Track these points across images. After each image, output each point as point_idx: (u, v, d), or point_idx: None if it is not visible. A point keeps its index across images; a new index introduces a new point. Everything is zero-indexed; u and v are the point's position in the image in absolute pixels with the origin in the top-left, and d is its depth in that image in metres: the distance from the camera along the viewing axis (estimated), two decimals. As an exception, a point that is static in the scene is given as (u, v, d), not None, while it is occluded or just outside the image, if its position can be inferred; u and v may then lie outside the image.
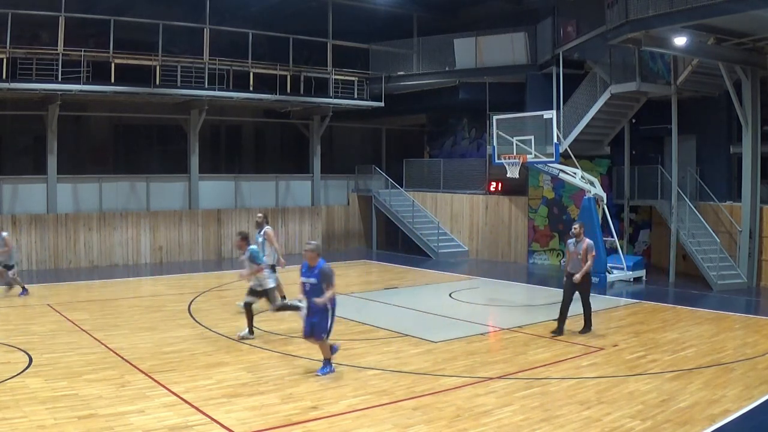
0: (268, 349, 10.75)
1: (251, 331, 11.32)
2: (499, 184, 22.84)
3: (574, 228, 12.02)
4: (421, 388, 8.87)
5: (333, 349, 9.52)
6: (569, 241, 12.12)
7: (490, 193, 23.16)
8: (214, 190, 23.48)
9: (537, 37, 22.12)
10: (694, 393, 8.62)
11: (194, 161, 22.70)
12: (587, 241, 11.82)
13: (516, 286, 18.00)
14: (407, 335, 11.84)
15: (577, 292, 11.83)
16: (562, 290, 12.23)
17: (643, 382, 9.09)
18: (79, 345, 10.78)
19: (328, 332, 9.26)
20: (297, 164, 26.84)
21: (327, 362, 9.41)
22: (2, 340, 10.88)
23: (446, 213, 24.55)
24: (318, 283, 9.09)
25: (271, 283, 11.36)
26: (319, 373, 9.27)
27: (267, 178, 24.87)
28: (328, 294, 9.03)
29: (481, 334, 12.37)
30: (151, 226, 21.60)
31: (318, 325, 9.17)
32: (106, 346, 10.69)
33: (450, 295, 16.32)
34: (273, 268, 13.49)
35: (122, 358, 10.10)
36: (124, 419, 7.51)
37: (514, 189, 22.24)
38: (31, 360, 9.83)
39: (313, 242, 9.57)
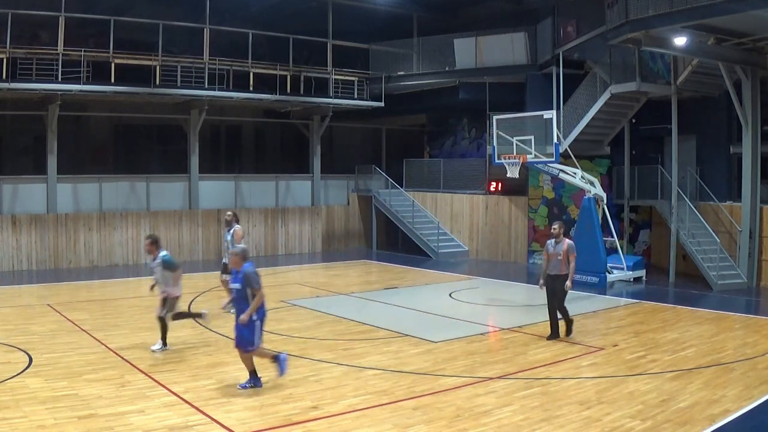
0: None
1: (165, 344, 10.56)
2: (499, 184, 22.84)
3: (554, 228, 11.67)
4: (421, 388, 8.87)
5: (280, 359, 8.89)
6: (548, 241, 11.78)
7: (490, 193, 23.16)
8: (214, 190, 23.48)
9: (537, 37, 22.12)
10: (694, 393, 8.63)
11: (194, 161, 22.70)
12: (567, 241, 11.52)
13: (516, 286, 17.98)
14: (407, 335, 11.84)
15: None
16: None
17: (643, 382, 9.10)
18: (79, 345, 10.78)
19: (256, 343, 8.66)
20: (297, 164, 26.84)
21: (252, 375, 8.77)
22: (2, 340, 10.90)
23: (446, 213, 24.55)
24: (242, 288, 8.59)
25: (176, 292, 10.56)
26: (240, 387, 8.68)
27: (267, 178, 24.87)
28: (252, 304, 8.50)
29: (481, 334, 12.36)
30: (151, 226, 21.58)
31: (243, 336, 8.62)
32: (106, 346, 10.69)
33: (450, 295, 16.32)
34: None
35: (122, 358, 10.11)
36: (124, 419, 7.52)
37: (514, 189, 22.24)
38: (31, 360, 9.84)
39: (239, 246, 9.09)
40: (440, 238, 23.71)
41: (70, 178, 20.83)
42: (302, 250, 24.79)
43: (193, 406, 8.01)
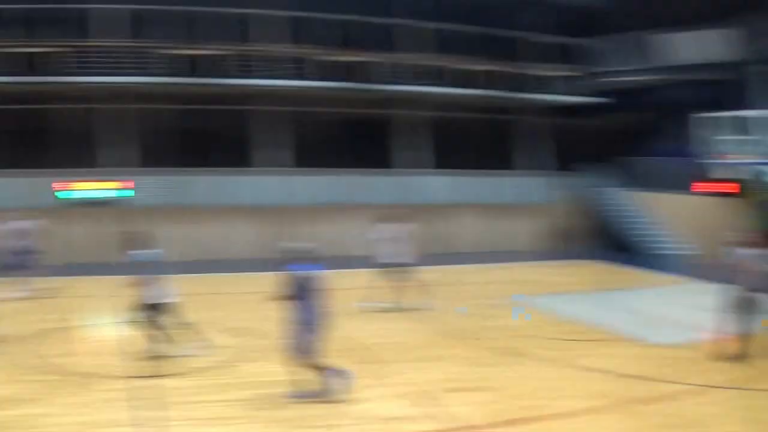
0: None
1: None
2: (716, 185, 21.12)
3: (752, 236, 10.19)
4: (636, 393, 8.56)
5: None
6: (743, 251, 9.94)
7: (708, 194, 21.54)
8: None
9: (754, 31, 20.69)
10: None
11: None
12: None
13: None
14: (626, 338, 11.56)
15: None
16: None
17: None
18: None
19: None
20: (502, 160, 26.59)
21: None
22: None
23: (665, 213, 23.21)
24: None
25: None
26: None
27: (485, 174, 25.24)
28: None
29: (707, 340, 11.50)
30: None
31: None
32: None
33: (676, 298, 15.82)
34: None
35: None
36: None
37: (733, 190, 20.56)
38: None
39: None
40: (659, 239, 22.72)
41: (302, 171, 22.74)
42: (519, 247, 24.31)
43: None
